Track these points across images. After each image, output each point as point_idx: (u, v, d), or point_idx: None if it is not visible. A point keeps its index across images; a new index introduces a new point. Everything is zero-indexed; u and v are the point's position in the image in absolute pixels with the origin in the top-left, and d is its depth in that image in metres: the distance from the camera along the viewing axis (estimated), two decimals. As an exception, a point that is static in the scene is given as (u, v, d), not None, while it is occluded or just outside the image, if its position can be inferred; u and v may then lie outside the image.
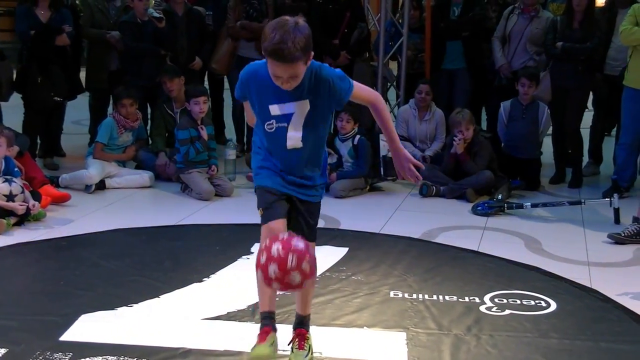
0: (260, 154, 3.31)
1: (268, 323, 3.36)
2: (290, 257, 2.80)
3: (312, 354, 3.40)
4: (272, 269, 2.80)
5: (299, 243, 2.85)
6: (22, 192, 5.42)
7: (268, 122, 3.18)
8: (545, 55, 7.35)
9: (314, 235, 3.36)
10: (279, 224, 3.15)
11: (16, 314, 3.84)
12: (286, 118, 3.15)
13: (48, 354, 3.40)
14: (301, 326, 3.44)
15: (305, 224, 3.28)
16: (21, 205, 5.33)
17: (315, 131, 3.21)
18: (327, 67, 3.16)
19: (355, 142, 6.82)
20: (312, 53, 3.02)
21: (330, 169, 6.87)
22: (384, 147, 6.94)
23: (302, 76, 3.02)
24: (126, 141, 6.95)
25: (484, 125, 8.14)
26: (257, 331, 3.34)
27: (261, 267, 2.85)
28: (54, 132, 7.64)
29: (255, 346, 3.29)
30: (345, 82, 3.16)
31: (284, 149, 3.20)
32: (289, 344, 3.42)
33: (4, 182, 5.38)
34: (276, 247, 2.82)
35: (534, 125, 7.09)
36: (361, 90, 3.23)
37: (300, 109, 3.13)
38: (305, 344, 3.38)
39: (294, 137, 3.17)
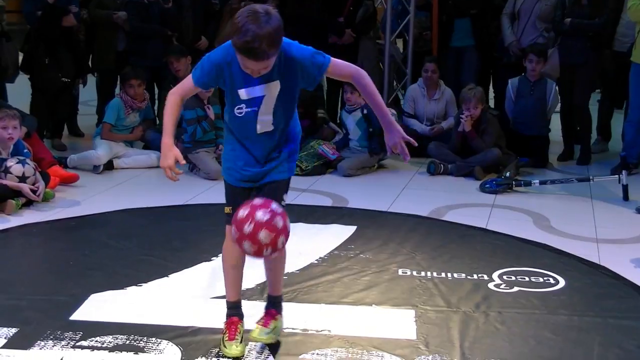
0: (229, 143, 3.22)
1: (234, 313, 3.39)
2: (276, 219, 2.85)
3: (275, 335, 3.38)
4: (263, 234, 2.84)
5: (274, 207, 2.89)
6: (34, 174, 5.44)
7: (238, 107, 3.07)
8: (553, 32, 7.30)
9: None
10: None
11: (26, 294, 3.87)
12: (257, 102, 3.04)
13: (58, 333, 3.43)
14: (272, 307, 3.45)
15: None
16: (32, 189, 5.33)
17: (285, 111, 3.12)
18: (296, 45, 3.02)
19: (365, 112, 6.67)
20: (283, 40, 2.90)
21: (337, 147, 6.86)
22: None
23: (272, 64, 2.92)
24: (133, 121, 6.96)
25: (491, 103, 8.10)
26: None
27: (249, 237, 2.86)
28: (64, 113, 7.63)
29: (225, 343, 3.31)
30: (319, 57, 3.01)
31: (255, 134, 3.11)
32: (257, 322, 3.40)
33: (17, 162, 5.40)
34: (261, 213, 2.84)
35: (542, 102, 7.04)
36: (339, 66, 3.07)
37: (271, 91, 3.03)
38: (271, 323, 3.37)
39: (265, 121, 3.08)
